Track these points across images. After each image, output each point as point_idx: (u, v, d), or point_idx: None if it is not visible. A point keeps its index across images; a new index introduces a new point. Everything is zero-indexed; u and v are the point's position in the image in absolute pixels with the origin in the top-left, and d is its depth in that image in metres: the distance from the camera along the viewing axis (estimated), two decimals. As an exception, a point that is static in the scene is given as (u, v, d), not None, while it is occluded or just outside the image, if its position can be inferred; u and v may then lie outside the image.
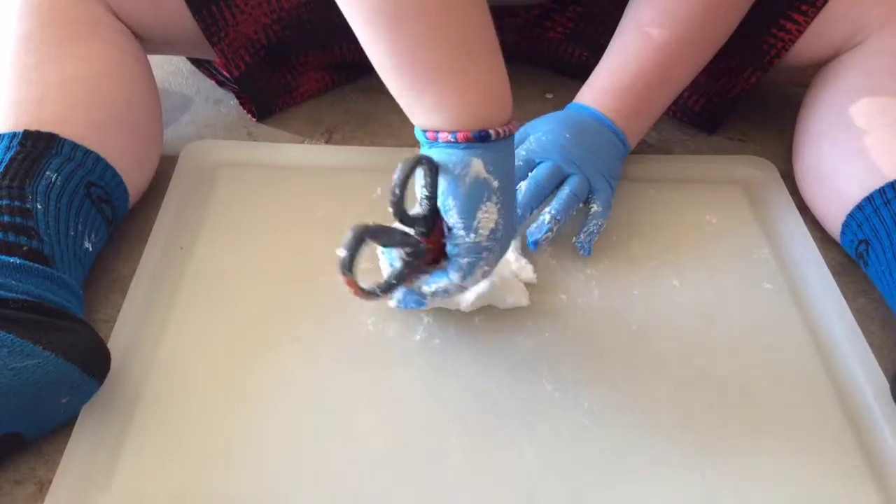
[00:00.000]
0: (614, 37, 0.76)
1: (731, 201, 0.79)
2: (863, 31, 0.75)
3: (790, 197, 0.78)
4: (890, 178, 0.67)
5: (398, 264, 0.57)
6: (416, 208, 0.57)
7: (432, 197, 0.56)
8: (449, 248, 0.57)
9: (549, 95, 0.94)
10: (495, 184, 0.55)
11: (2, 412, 0.53)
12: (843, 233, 0.72)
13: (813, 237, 0.74)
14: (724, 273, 0.71)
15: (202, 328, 0.65)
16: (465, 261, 0.56)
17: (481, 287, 0.64)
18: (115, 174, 0.68)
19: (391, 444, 0.58)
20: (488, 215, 0.55)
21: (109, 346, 0.59)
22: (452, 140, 0.54)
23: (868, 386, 0.62)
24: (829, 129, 0.74)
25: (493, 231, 0.55)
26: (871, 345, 0.65)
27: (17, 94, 0.67)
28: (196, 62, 0.92)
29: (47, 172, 0.63)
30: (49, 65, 0.69)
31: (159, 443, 0.57)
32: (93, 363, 0.56)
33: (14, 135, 0.65)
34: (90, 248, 0.65)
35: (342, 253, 0.52)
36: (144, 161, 0.75)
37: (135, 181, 0.72)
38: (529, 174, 0.69)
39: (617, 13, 0.77)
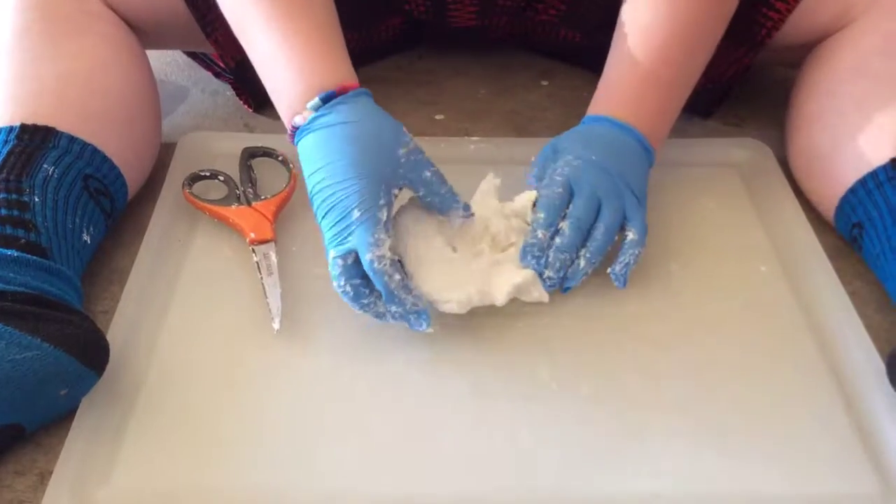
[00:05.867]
0: (614, 41, 0.72)
1: (726, 185, 0.79)
2: (852, 10, 0.74)
3: (786, 180, 0.78)
4: (882, 161, 0.67)
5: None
6: None
7: None
8: None
9: (545, 83, 0.94)
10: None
11: (1, 403, 0.53)
12: (837, 216, 0.72)
13: (809, 220, 0.74)
14: (720, 256, 0.71)
15: (200, 320, 0.65)
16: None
17: (514, 282, 0.63)
18: (112, 166, 0.68)
19: (389, 432, 0.58)
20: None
21: (108, 337, 0.59)
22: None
23: (864, 369, 0.62)
24: (820, 112, 0.74)
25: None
26: (866, 328, 0.64)
27: (14, 89, 0.67)
28: (192, 53, 0.92)
29: (45, 165, 0.64)
30: (46, 59, 0.69)
31: (159, 434, 0.57)
32: (91, 355, 0.56)
33: (11, 128, 0.65)
34: (88, 241, 0.65)
35: None
36: (142, 153, 0.75)
37: (133, 173, 0.72)
38: (567, 211, 0.65)
39: None
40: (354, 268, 0.59)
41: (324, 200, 0.59)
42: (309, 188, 0.61)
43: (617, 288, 0.66)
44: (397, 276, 0.59)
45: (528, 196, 0.67)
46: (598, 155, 0.67)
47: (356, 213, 0.58)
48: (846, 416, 0.60)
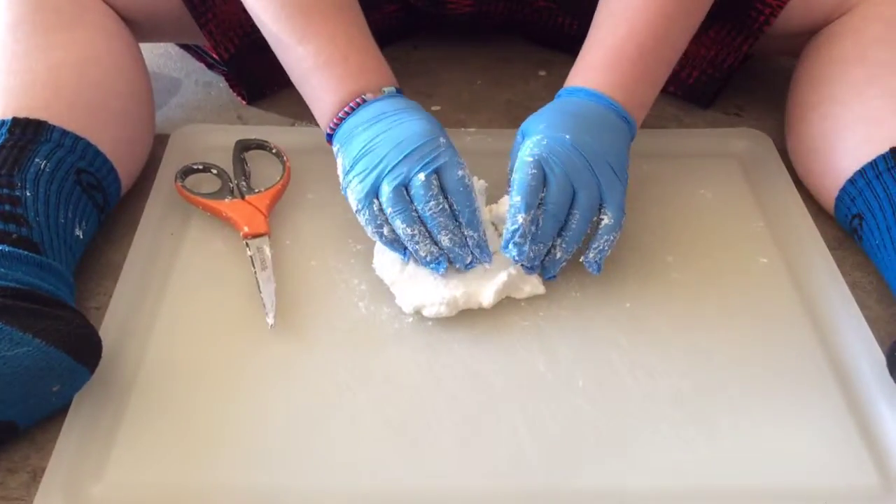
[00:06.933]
0: (597, 10, 0.71)
1: (726, 175, 0.78)
2: None
3: (786, 170, 0.78)
4: (882, 150, 0.66)
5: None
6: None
7: None
8: None
9: (542, 73, 0.93)
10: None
11: (-7, 400, 0.53)
12: (836, 207, 0.71)
13: (809, 211, 0.73)
14: (719, 248, 0.71)
15: (194, 315, 0.65)
16: None
17: (498, 282, 0.63)
18: (105, 160, 0.68)
19: (385, 425, 0.58)
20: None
21: (101, 333, 0.58)
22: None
23: (864, 360, 0.62)
24: (820, 102, 0.73)
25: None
26: (867, 318, 0.64)
27: (5, 83, 0.67)
28: (184, 45, 0.92)
29: (36, 159, 0.63)
30: (38, 52, 0.68)
31: (153, 430, 0.57)
32: (84, 351, 0.56)
33: (3, 122, 0.64)
34: (81, 236, 0.65)
35: None
36: (135, 146, 0.74)
37: (126, 167, 0.71)
38: (541, 196, 0.63)
39: None
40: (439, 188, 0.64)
41: (407, 132, 0.65)
42: (384, 126, 0.65)
43: (615, 280, 0.66)
44: (478, 199, 0.65)
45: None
46: (571, 133, 0.64)
47: (442, 141, 0.65)
48: (846, 408, 0.59)
